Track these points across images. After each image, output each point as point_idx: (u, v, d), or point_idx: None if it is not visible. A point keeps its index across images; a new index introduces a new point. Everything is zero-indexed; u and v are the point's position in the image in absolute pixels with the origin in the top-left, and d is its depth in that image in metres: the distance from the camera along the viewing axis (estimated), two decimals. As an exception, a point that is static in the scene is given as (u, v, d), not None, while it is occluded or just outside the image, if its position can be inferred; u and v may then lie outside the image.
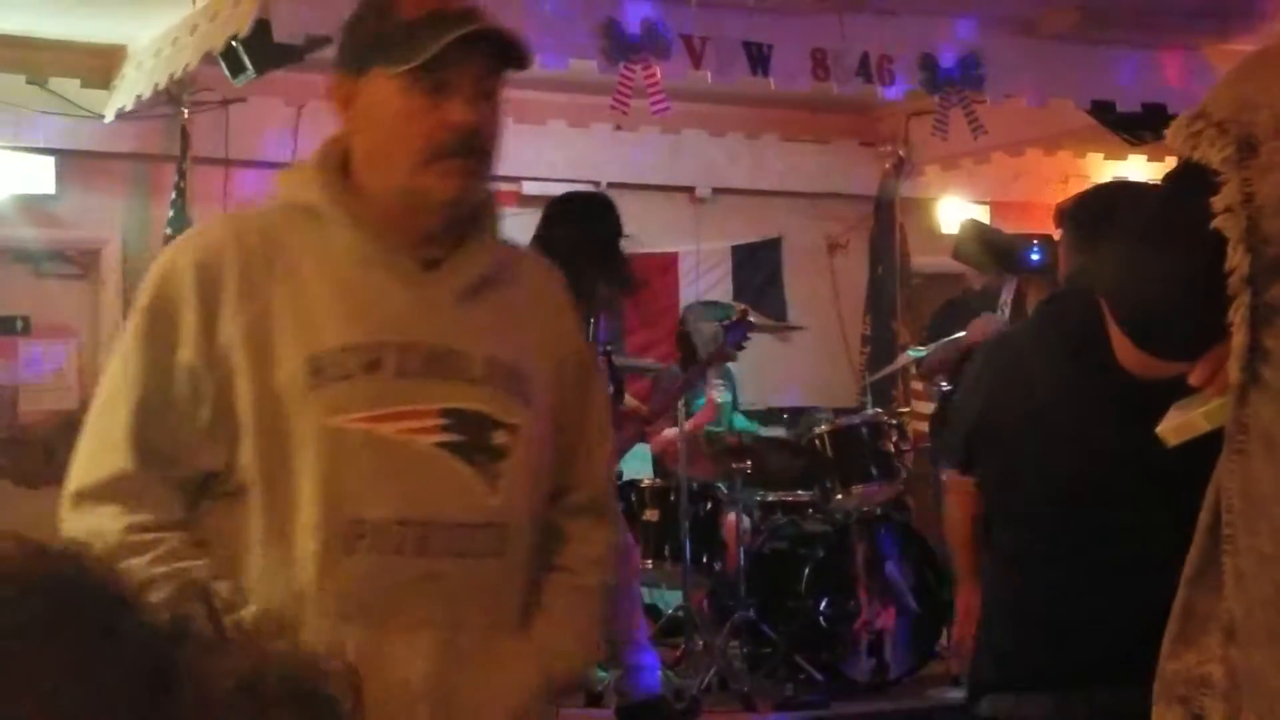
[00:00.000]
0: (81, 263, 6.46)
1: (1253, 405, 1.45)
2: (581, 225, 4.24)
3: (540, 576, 1.80)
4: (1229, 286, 1.42)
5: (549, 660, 1.77)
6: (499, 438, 1.72)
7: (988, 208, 7.30)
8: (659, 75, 5.06)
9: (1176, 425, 1.56)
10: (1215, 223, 1.42)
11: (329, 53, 4.88)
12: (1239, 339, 1.44)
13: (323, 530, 1.64)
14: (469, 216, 1.77)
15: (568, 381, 1.84)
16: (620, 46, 4.93)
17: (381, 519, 1.65)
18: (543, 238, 4.10)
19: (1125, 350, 1.56)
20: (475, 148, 1.72)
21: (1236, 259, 1.42)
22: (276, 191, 1.82)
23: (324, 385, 1.66)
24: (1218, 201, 1.42)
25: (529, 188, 6.40)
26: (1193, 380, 1.53)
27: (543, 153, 6.48)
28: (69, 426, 6.56)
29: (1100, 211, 2.55)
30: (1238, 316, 1.43)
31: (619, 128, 6.37)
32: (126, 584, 0.57)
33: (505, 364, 1.75)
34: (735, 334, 5.10)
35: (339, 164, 1.76)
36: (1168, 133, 1.51)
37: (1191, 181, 1.46)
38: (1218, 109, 1.46)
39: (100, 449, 1.69)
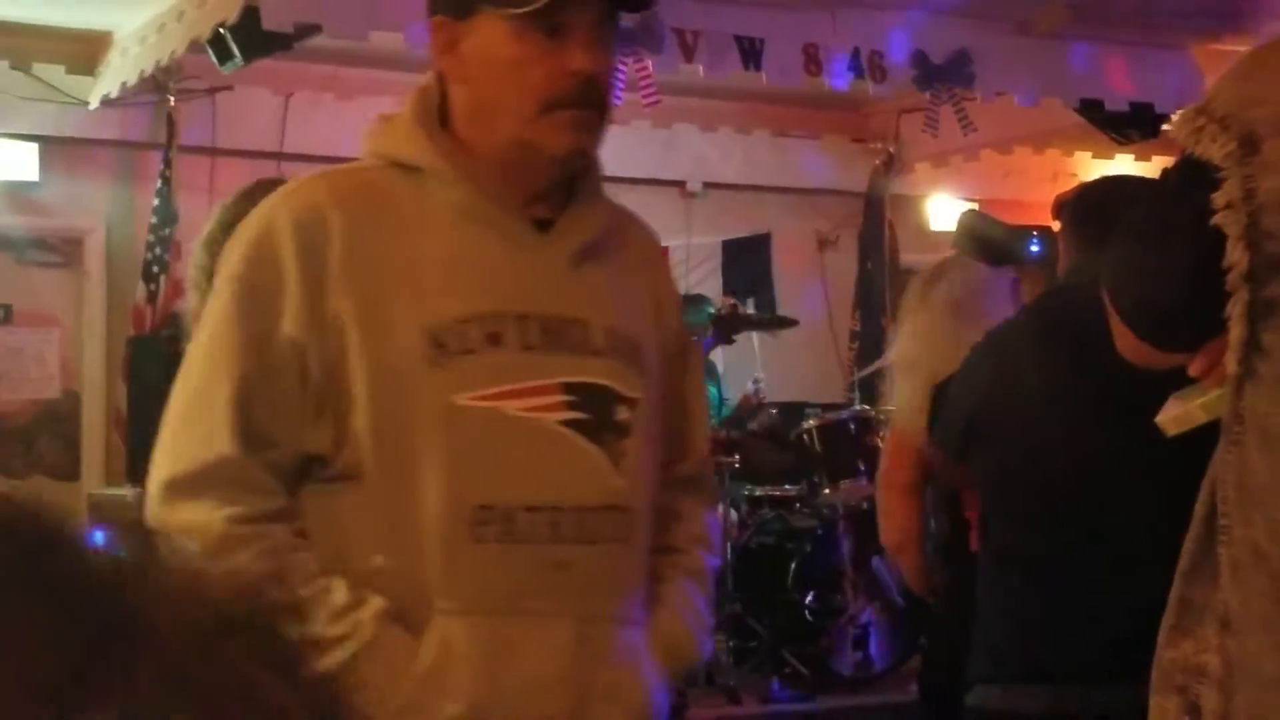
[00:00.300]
0: (65, 251, 6.42)
1: (1249, 398, 1.46)
2: None
3: (652, 557, 1.69)
4: (1228, 282, 1.43)
5: (672, 649, 1.67)
6: (621, 414, 1.59)
7: (977, 205, 7.30)
8: (651, 68, 5.04)
9: (1175, 416, 1.57)
10: (1216, 219, 1.42)
11: (318, 41, 4.89)
12: (1236, 333, 1.44)
13: (447, 517, 1.51)
14: (578, 173, 1.65)
15: (671, 350, 1.73)
16: (612, 38, 4.91)
17: (509, 505, 1.53)
18: None
19: (1125, 341, 1.57)
20: (594, 99, 1.58)
21: (1236, 255, 1.42)
22: (368, 147, 1.67)
23: (446, 361, 1.52)
24: (1218, 198, 1.43)
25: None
26: (1192, 371, 1.53)
27: (531, 145, 6.45)
28: (50, 416, 6.53)
29: (1099, 208, 2.54)
30: (1236, 311, 1.43)
31: (609, 120, 6.35)
32: (76, 530, 0.57)
33: (623, 333, 1.63)
34: (720, 329, 5.09)
35: (436, 116, 1.62)
36: (1171, 126, 1.51)
37: (1193, 176, 1.46)
38: (1221, 104, 1.46)
39: (197, 433, 1.53)
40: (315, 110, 6.26)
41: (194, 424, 1.53)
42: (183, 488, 1.51)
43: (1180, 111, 1.51)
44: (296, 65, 5.68)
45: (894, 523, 3.33)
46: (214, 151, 6.18)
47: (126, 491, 4.66)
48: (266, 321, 1.52)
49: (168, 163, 5.96)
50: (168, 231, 5.93)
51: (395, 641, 1.50)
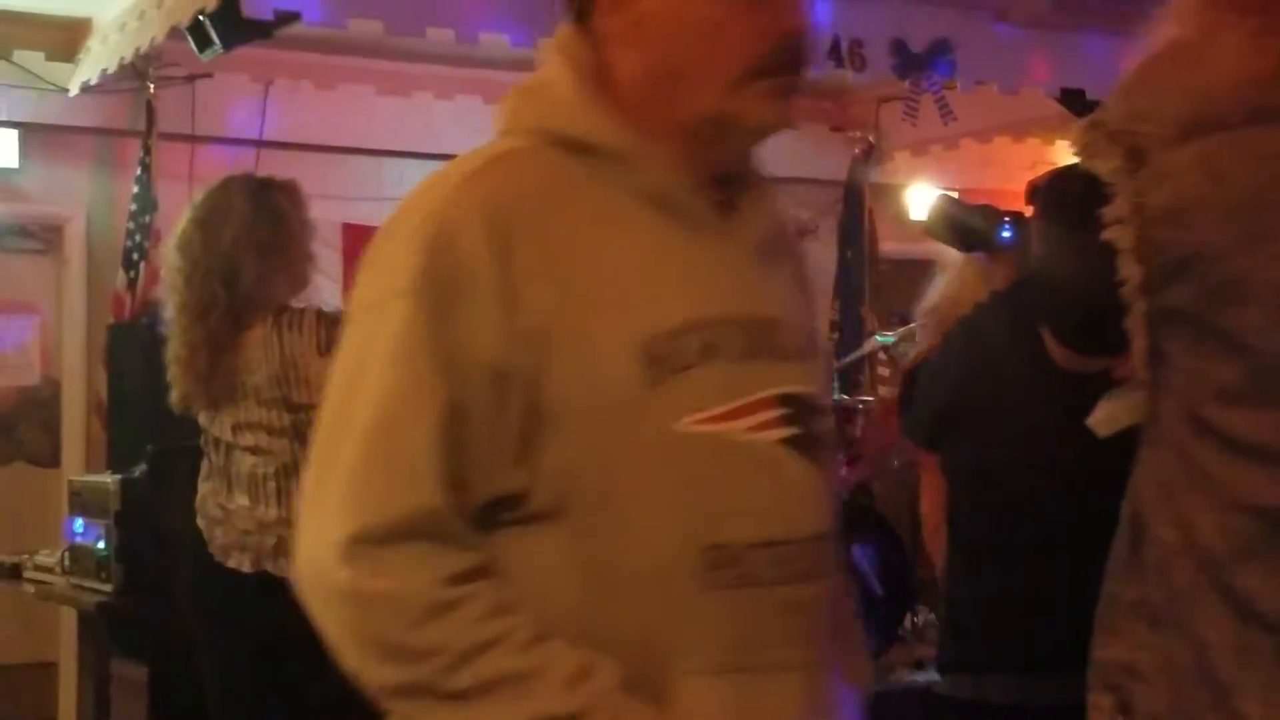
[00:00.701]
0: (45, 238, 6.40)
1: (1162, 402, 1.49)
2: None
3: None
4: (1124, 295, 1.46)
5: (864, 689, 1.50)
6: (821, 424, 1.39)
7: (956, 194, 7.32)
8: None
9: (1104, 417, 1.64)
10: (1105, 235, 1.45)
11: (298, 29, 4.88)
12: (1138, 343, 1.49)
13: (674, 562, 1.29)
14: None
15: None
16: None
17: (740, 543, 1.31)
18: None
19: (1052, 346, 1.61)
20: (802, 62, 1.37)
21: (1128, 270, 1.46)
22: (516, 121, 1.41)
23: (666, 379, 1.29)
24: (1108, 213, 1.46)
25: (498, 168, 6.37)
26: (1116, 375, 1.57)
27: (512, 133, 6.45)
28: (30, 403, 6.48)
29: (1063, 196, 2.56)
30: (1135, 323, 1.47)
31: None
32: None
33: (805, 331, 1.44)
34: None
35: (598, 84, 1.37)
36: (1070, 138, 1.54)
37: (1089, 189, 1.49)
38: (1111, 117, 1.50)
39: (392, 478, 1.26)
40: (295, 98, 6.25)
41: (385, 467, 1.26)
42: (377, 544, 1.25)
43: (1078, 123, 1.54)
44: (276, 53, 5.67)
45: (927, 505, 3.23)
46: (193, 139, 6.17)
47: (107, 478, 4.66)
48: (457, 343, 1.27)
49: (147, 150, 5.94)
50: (147, 219, 5.92)
51: (642, 715, 1.27)
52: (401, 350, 1.28)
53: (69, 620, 5.69)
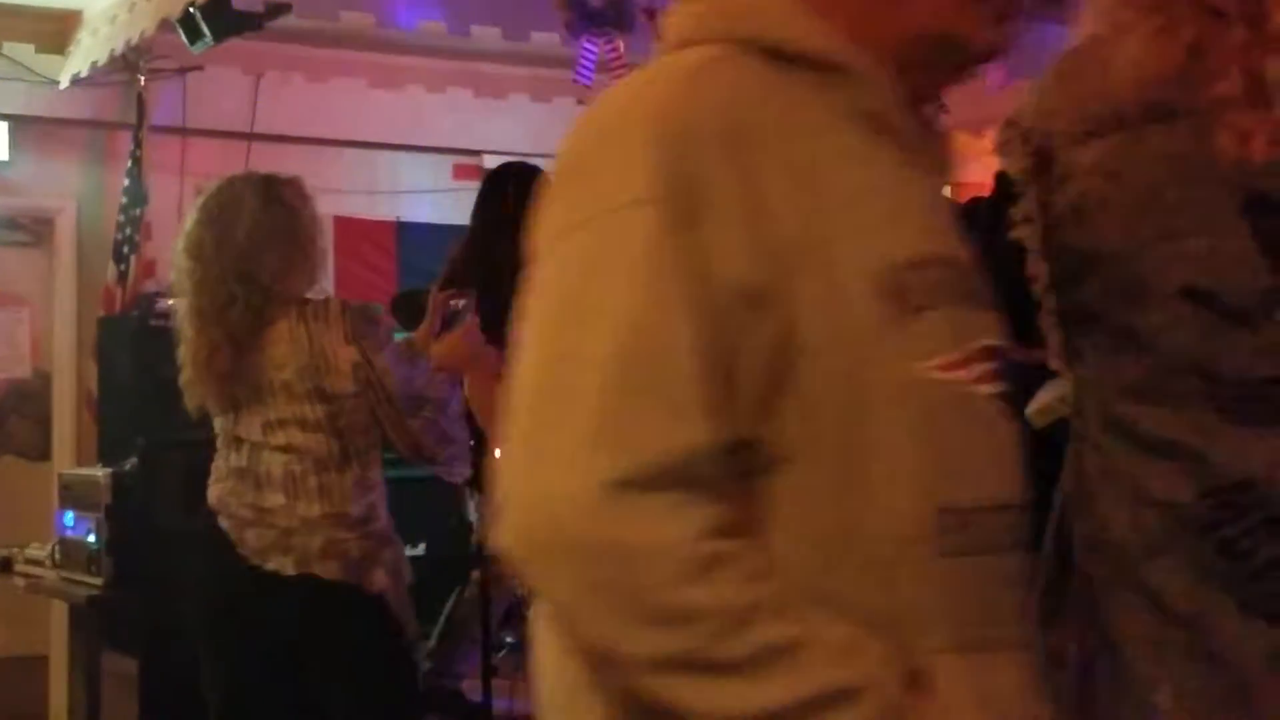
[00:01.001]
0: (35, 231, 6.39)
1: (1080, 397, 1.50)
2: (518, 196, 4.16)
3: None
4: (1034, 293, 1.47)
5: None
6: (1014, 383, 1.26)
7: (948, 187, 7.33)
8: (622, 49, 5.04)
9: (1040, 408, 1.64)
10: (1013, 234, 1.46)
11: (288, 21, 4.87)
12: (1053, 340, 1.50)
13: (911, 525, 1.15)
14: None
15: None
16: (583, 19, 4.91)
17: (975, 504, 1.17)
18: (482, 211, 4.01)
19: None
20: None
21: (1035, 268, 1.46)
22: (697, 30, 1.22)
23: (905, 317, 1.15)
24: (1016, 212, 1.47)
25: (490, 161, 6.37)
26: (1051, 365, 1.57)
27: (504, 126, 6.45)
28: (21, 396, 6.45)
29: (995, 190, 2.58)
30: (1047, 320, 1.48)
31: (581, 102, 6.35)
32: None
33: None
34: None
35: None
36: (992, 139, 1.55)
37: (1005, 188, 1.50)
38: (1026, 117, 1.51)
39: (657, 413, 1.08)
40: (286, 90, 6.24)
41: (644, 401, 1.08)
42: (637, 488, 1.07)
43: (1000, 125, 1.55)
44: (267, 45, 5.66)
45: None
46: (184, 131, 6.16)
47: (97, 472, 4.65)
48: (708, 259, 1.11)
49: (138, 143, 5.94)
50: (138, 212, 5.91)
51: (905, 698, 1.12)
52: (645, 266, 1.10)
53: (59, 614, 5.69)
